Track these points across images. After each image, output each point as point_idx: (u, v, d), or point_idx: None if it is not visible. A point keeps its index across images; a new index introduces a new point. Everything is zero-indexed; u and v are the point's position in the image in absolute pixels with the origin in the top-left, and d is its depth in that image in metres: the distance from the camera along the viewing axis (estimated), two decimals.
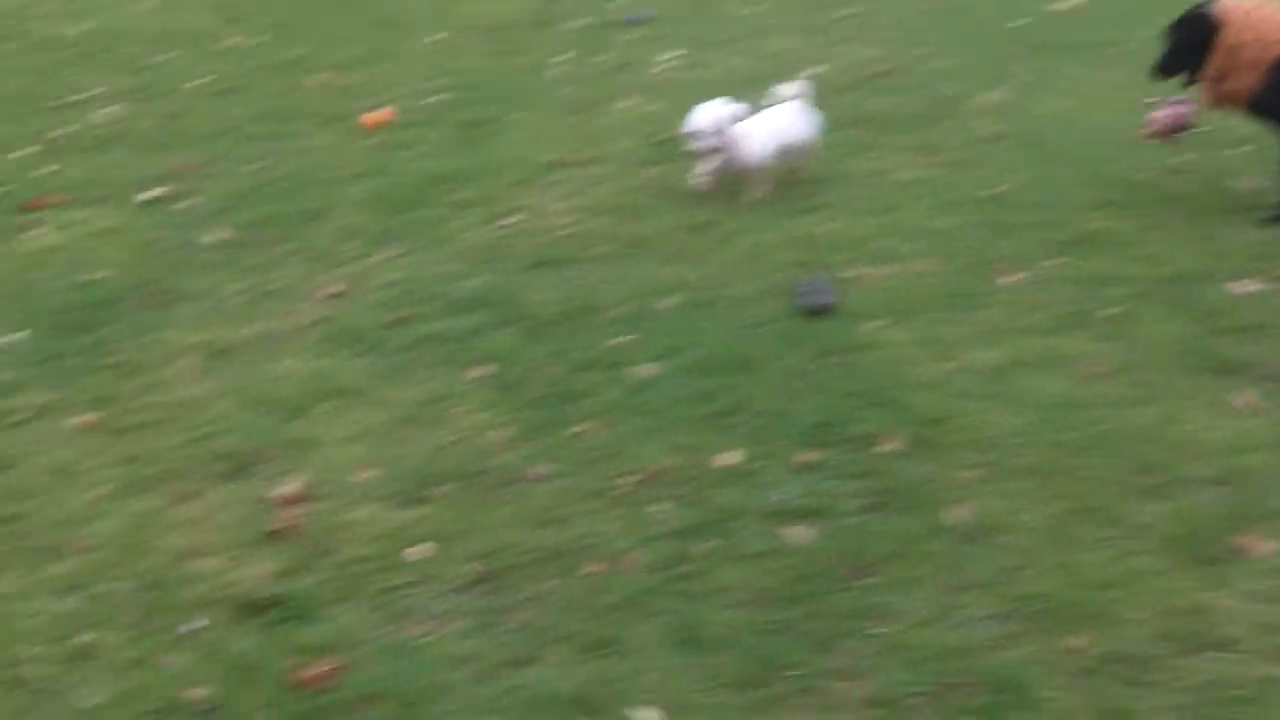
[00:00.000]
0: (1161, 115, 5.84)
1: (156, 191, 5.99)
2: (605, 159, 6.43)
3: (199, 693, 3.06)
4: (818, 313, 4.84)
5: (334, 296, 5.04)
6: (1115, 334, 4.67)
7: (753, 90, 6.42)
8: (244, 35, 8.49)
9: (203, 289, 5.11)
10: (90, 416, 4.22)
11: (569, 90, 7.47)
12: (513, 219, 5.74)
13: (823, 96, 6.35)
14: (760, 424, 4.17)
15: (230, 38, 8.44)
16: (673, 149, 6.50)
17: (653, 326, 4.79)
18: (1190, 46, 5.55)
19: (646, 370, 4.48)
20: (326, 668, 3.12)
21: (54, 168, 6.27)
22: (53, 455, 4.02)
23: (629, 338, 4.70)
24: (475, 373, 4.49)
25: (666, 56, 8.06)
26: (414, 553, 3.55)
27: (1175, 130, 5.82)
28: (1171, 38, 5.65)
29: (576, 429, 4.15)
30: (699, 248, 5.46)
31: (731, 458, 3.99)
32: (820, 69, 7.69)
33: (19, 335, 4.71)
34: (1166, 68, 5.68)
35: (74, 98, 7.28)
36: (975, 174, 6.20)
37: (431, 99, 7.29)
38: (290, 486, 3.84)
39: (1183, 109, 5.79)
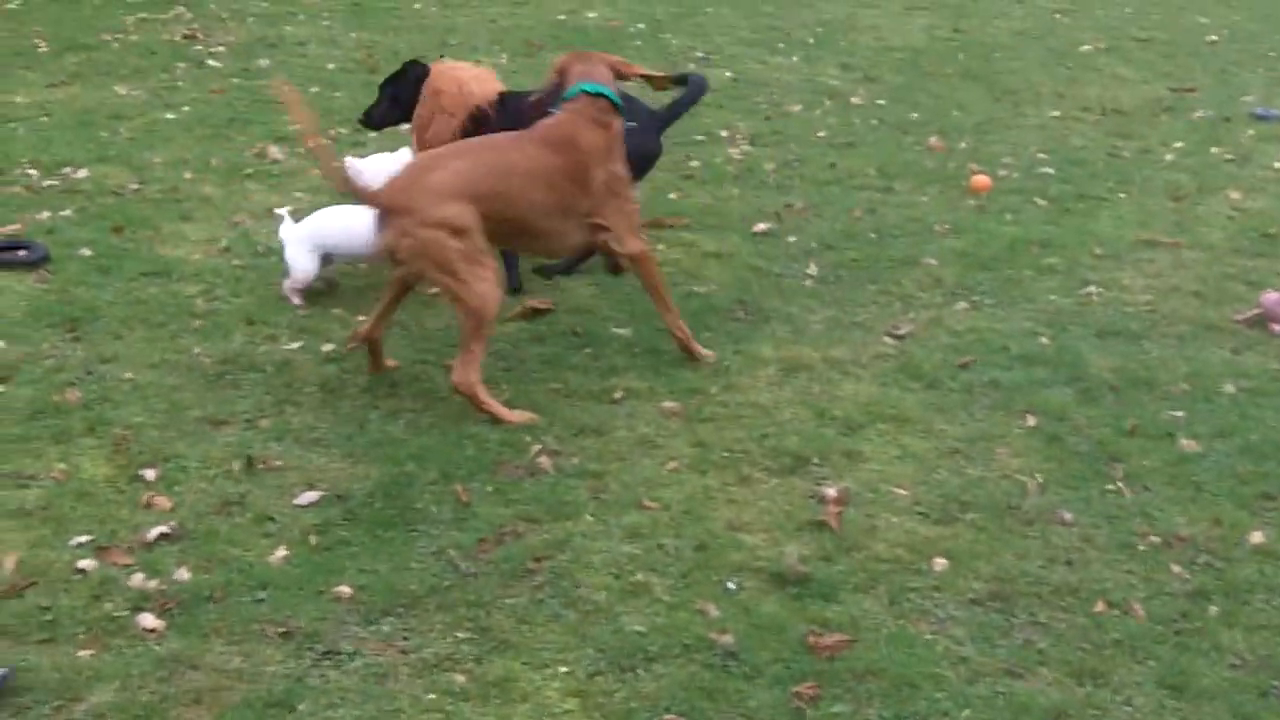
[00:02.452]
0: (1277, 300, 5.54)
1: (766, 225, 6.59)
2: (1196, 245, 6.48)
3: (725, 638, 3.53)
4: None
5: (906, 335, 5.43)
6: None
7: None
8: (867, 94, 9.04)
9: (791, 313, 5.63)
10: (675, 404, 4.81)
11: (1175, 176, 7.52)
12: (1091, 289, 5.93)
13: None
14: None
15: (855, 95, 9.03)
16: (1269, 245, 6.48)
17: (1209, 407, 4.89)
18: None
19: (1193, 445, 4.59)
20: (838, 639, 3.52)
21: (682, 194, 7.01)
22: (637, 430, 4.63)
23: (1182, 413, 4.82)
24: (1025, 421, 4.76)
25: None
26: (933, 563, 3.88)
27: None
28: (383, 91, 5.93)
29: (1111, 487, 4.35)
30: (1278, 339, 5.45)
31: (1261, 537, 4.06)
32: None
33: (626, 330, 5.39)
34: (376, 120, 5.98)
35: (716, 134, 8.06)
36: None
37: (1036, 170, 7.54)
38: (835, 488, 4.27)
39: None
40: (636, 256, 5.02)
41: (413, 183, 4.69)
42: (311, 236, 5.51)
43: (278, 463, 4.34)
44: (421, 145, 5.63)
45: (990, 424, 4.75)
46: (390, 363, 5.04)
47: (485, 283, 4.63)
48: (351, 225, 5.40)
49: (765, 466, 4.43)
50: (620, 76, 5.07)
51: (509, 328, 5.38)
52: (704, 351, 5.15)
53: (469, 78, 5.74)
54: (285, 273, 5.54)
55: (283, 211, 5.64)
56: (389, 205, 4.64)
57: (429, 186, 4.63)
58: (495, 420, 4.63)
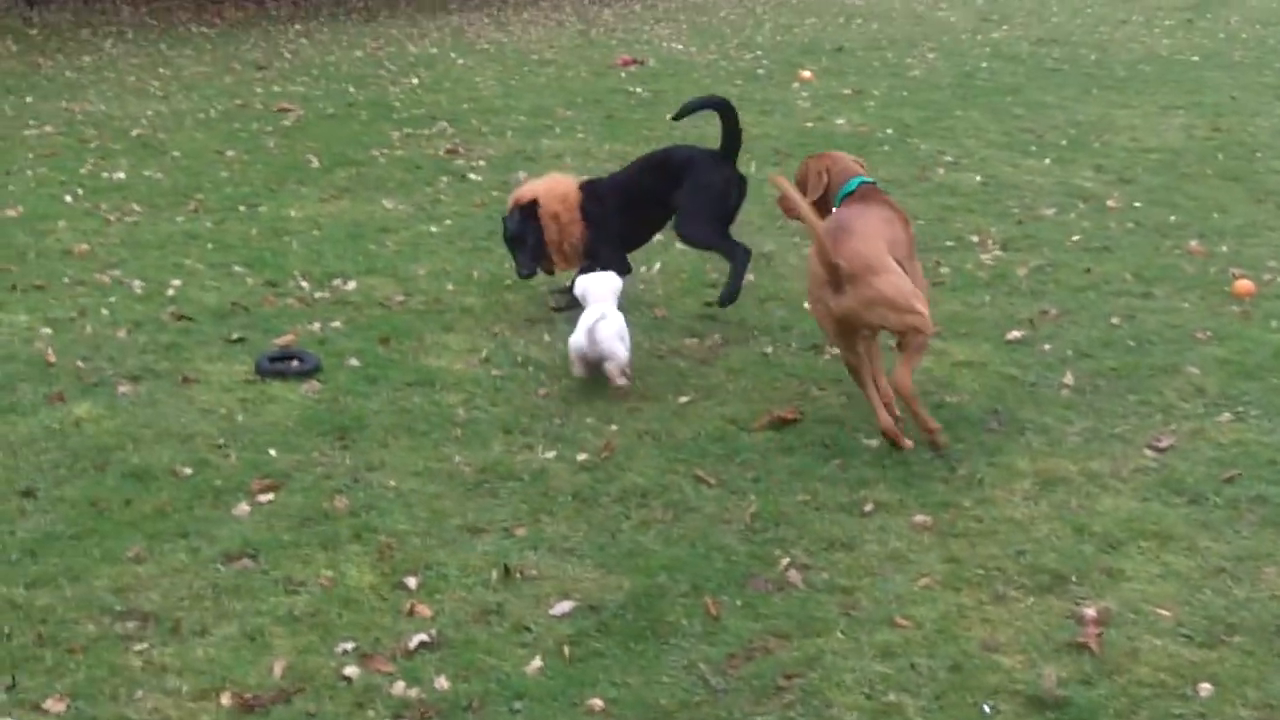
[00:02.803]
0: None
1: (1019, 333, 6.50)
2: None
3: None
4: None
5: (1167, 448, 5.28)
6: None
7: None
8: (1123, 197, 8.87)
9: (1047, 424, 5.53)
10: (927, 518, 4.77)
11: None
12: None
13: None
14: None
15: (1110, 198, 8.86)
16: None
17: None
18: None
19: None
20: None
21: (932, 302, 6.96)
22: (888, 544, 4.60)
23: None
24: None
25: None
26: (1199, 689, 3.75)
27: None
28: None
29: None
30: None
31: None
32: None
33: (875, 441, 5.36)
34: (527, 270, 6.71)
35: (967, 239, 8.01)
36: None
37: None
38: (1094, 608, 4.16)
39: None
40: None
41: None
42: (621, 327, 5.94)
43: (533, 571, 4.45)
44: (563, 257, 6.74)
45: (1258, 541, 4.57)
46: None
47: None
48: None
49: (1021, 584, 4.35)
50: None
51: (757, 438, 5.43)
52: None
53: (558, 189, 6.80)
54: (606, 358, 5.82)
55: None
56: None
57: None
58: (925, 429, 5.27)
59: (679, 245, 7.27)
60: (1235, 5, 18.63)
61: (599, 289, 6.08)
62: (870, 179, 5.77)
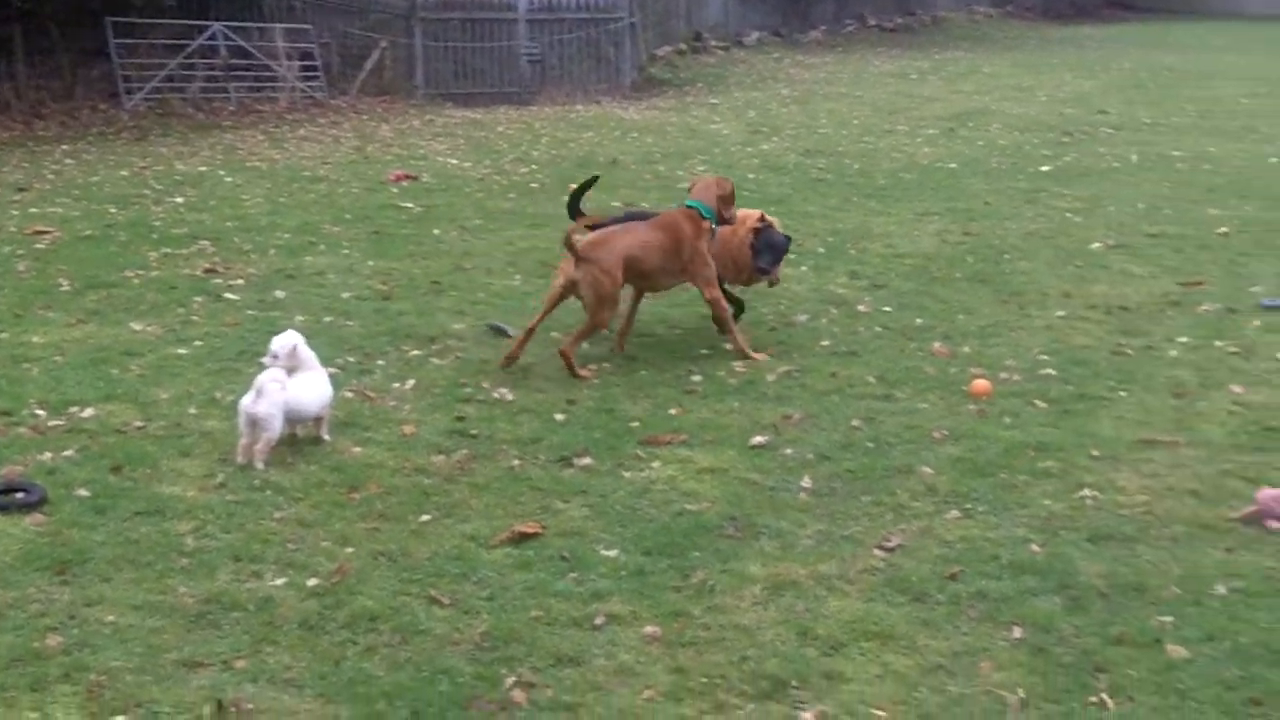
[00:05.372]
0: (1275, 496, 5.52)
1: (763, 438, 6.60)
2: (1196, 443, 6.44)
3: None
4: None
5: (896, 547, 5.39)
6: None
7: None
8: (873, 302, 9.13)
9: (782, 528, 5.61)
10: (657, 628, 4.77)
11: (1177, 372, 7.51)
12: (1087, 492, 5.89)
13: None
14: None
15: (861, 303, 9.11)
16: (1270, 439, 6.43)
17: (1199, 610, 4.82)
18: None
19: (1180, 651, 4.52)
20: None
21: (683, 410, 7.05)
22: (617, 658, 4.59)
23: (1171, 618, 4.74)
24: (1011, 633, 4.70)
25: None
26: None
27: None
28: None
29: (1094, 699, 4.26)
30: (1275, 537, 5.38)
31: None
32: None
33: (614, 552, 5.38)
34: None
35: (720, 347, 8.13)
36: None
37: (1039, 372, 7.55)
38: (812, 712, 4.20)
39: None
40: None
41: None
42: (288, 402, 6.31)
43: (249, 705, 4.32)
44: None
45: (976, 637, 4.69)
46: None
47: None
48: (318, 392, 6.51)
49: (742, 692, 4.37)
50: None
51: (496, 554, 5.39)
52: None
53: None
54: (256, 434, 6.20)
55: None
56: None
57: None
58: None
59: (436, 361, 7.24)
60: (996, 114, 19.46)
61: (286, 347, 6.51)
62: (695, 204, 7.95)
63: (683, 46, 27.96)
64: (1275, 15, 48.22)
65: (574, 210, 8.43)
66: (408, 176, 14.30)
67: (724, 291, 8.21)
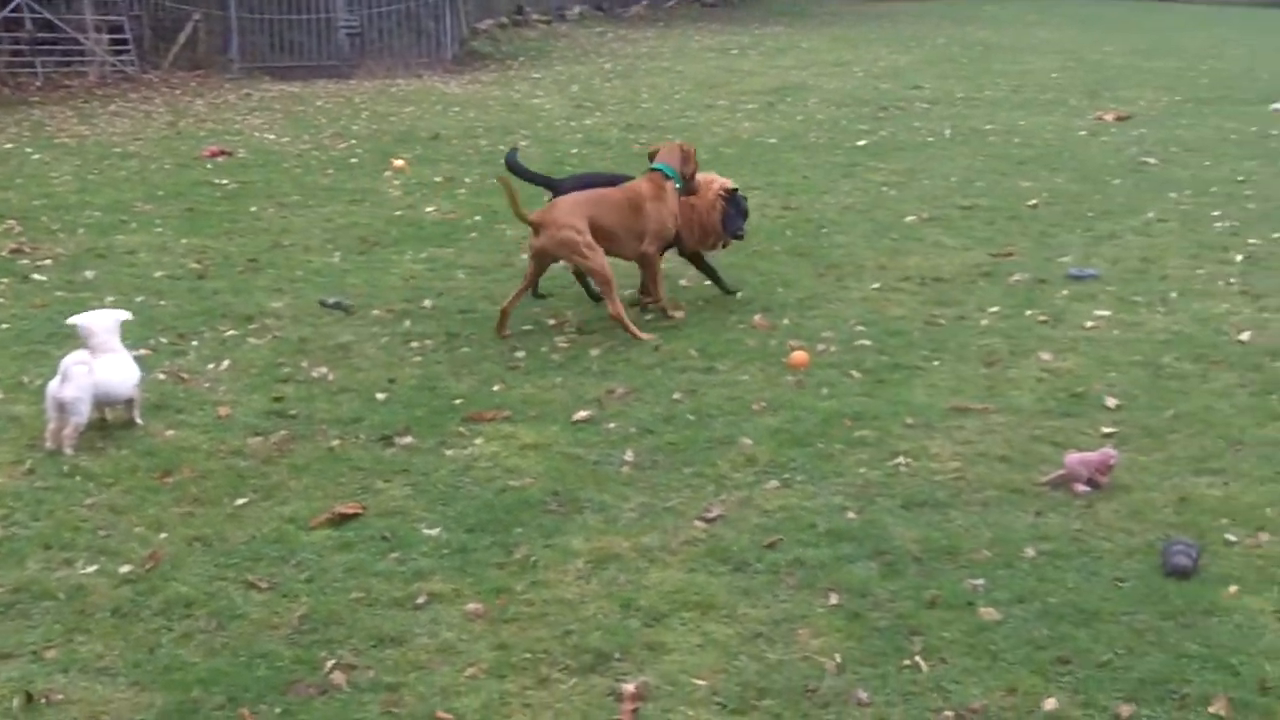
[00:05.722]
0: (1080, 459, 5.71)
1: (586, 413, 6.62)
2: (1006, 409, 6.62)
3: None
4: (1177, 574, 4.84)
5: (716, 518, 5.45)
6: None
7: (1178, 351, 6.55)
8: (696, 275, 9.17)
9: (605, 502, 5.63)
10: (480, 606, 4.76)
11: (988, 341, 7.70)
12: (901, 459, 6.01)
13: (1253, 360, 6.46)
14: (1092, 675, 4.27)
15: (683, 278, 9.17)
16: (1076, 405, 6.64)
17: (1010, 572, 4.95)
18: None
19: (992, 613, 4.64)
20: None
21: (506, 386, 7.02)
22: (440, 636, 4.58)
23: (983, 580, 4.87)
24: (828, 599, 4.78)
25: (1097, 314, 8.15)
26: None
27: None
28: None
29: (908, 662, 4.36)
30: (1080, 500, 5.55)
31: (1054, 703, 4.10)
32: (1250, 334, 7.62)
33: (436, 530, 5.35)
34: None
35: (544, 323, 8.12)
36: None
37: (855, 343, 7.68)
38: (634, 684, 4.23)
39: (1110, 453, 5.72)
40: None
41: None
42: (96, 386, 6.14)
43: (60, 696, 4.21)
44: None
45: (794, 604, 4.76)
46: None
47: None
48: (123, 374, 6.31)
49: (566, 666, 4.39)
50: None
51: (316, 536, 5.32)
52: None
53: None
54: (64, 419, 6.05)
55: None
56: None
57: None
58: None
59: (253, 341, 7.11)
60: (814, 89, 19.71)
61: (99, 325, 6.33)
62: (660, 165, 8.30)
63: (505, 20, 27.82)
64: None
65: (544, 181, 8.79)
66: (223, 152, 13.99)
67: (720, 283, 8.77)
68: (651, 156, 8.52)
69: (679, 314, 8.27)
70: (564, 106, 18.01)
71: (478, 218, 11.12)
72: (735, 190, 8.63)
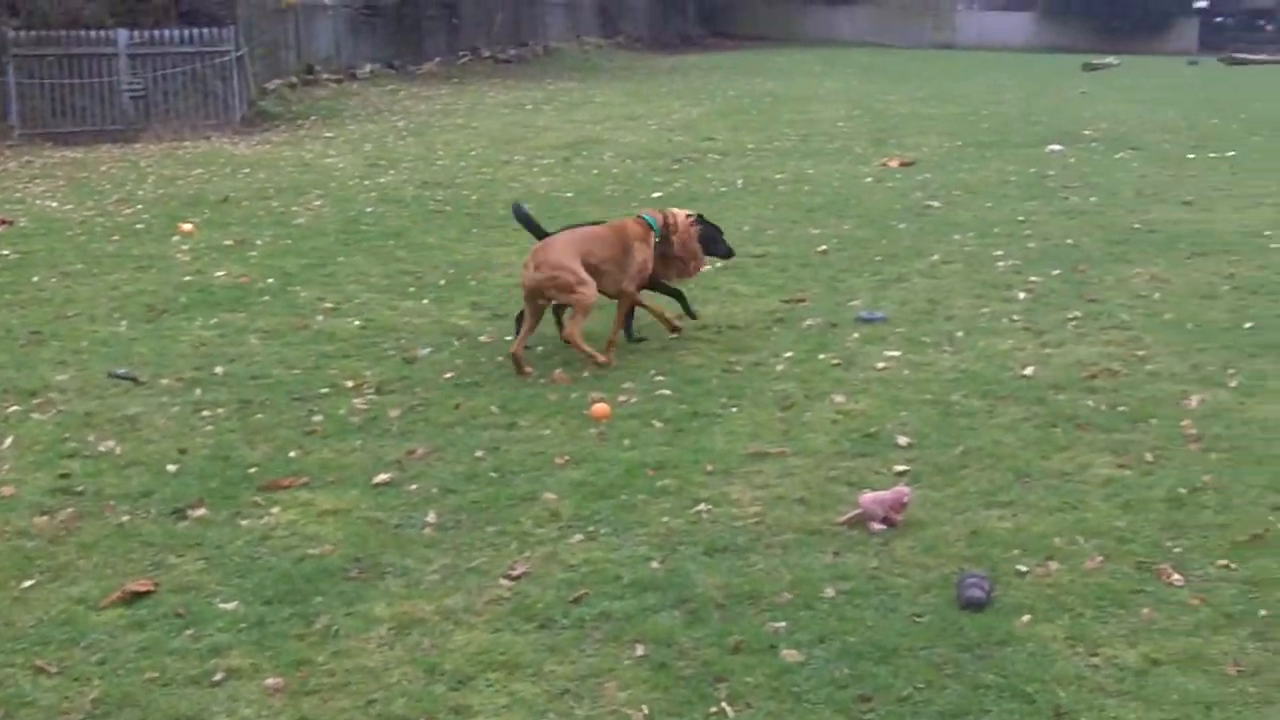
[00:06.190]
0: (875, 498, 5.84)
1: (387, 476, 6.54)
2: (803, 452, 6.73)
3: None
4: (972, 607, 4.97)
5: (521, 575, 5.42)
6: (1266, 634, 4.67)
7: (966, 388, 6.72)
8: (496, 332, 9.17)
9: (408, 566, 5.56)
10: (279, 679, 4.65)
11: (784, 386, 7.84)
12: (702, 507, 6.07)
13: (1037, 394, 6.67)
14: (893, 711, 4.36)
15: (484, 334, 9.15)
16: (870, 444, 6.78)
17: (810, 613, 5.02)
18: None
19: (794, 655, 4.69)
20: None
21: (303, 451, 6.90)
22: (238, 714, 4.45)
23: (784, 623, 4.93)
24: (635, 651, 4.78)
25: (888, 355, 8.36)
26: None
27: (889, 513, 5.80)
28: None
29: (714, 709, 4.38)
30: (876, 538, 5.66)
31: None
32: (1034, 368, 7.90)
33: (233, 604, 5.22)
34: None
35: (342, 385, 8.00)
36: (1168, 474, 6.26)
37: (655, 393, 7.74)
38: None
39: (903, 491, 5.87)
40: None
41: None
42: None
43: None
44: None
45: (601, 658, 4.76)
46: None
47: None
48: None
49: None
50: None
51: (107, 616, 5.14)
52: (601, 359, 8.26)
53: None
54: None
55: None
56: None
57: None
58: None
59: (37, 416, 6.86)
60: (609, 143, 19.92)
61: None
62: (646, 217, 8.73)
63: (294, 79, 27.50)
64: (866, 41, 51.14)
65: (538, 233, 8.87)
66: (3, 222, 13.53)
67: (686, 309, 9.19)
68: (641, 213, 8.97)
69: (605, 360, 8.34)
70: (358, 165, 17.87)
71: (270, 280, 10.94)
72: (700, 215, 9.12)
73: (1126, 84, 31.70)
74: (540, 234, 8.87)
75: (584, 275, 8.15)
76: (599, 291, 8.39)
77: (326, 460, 6.80)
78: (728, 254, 9.49)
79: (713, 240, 9.17)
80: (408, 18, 33.56)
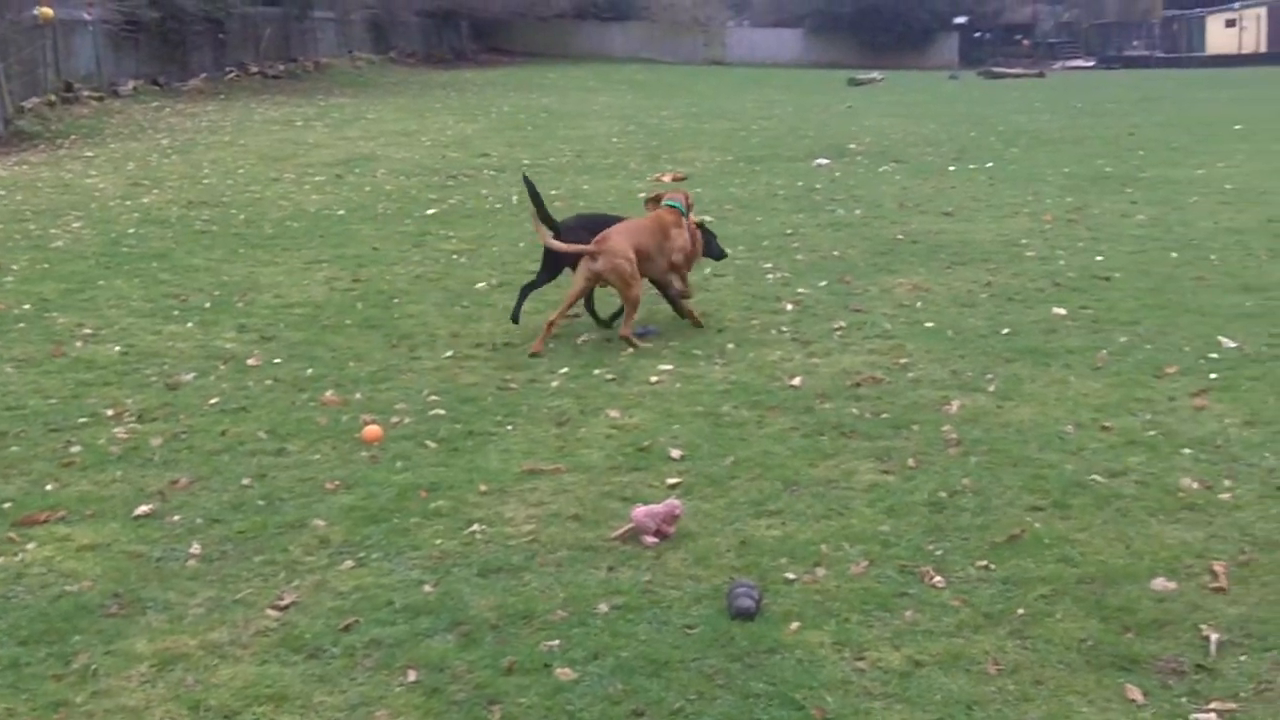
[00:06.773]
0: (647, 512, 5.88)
1: (149, 507, 6.33)
2: (578, 469, 6.73)
3: None
4: (742, 616, 5.04)
5: (289, 605, 5.30)
6: (1023, 633, 4.83)
7: (736, 399, 6.79)
8: (264, 355, 8.98)
9: (171, 600, 5.38)
10: None
11: (560, 402, 7.84)
12: (476, 527, 6.02)
13: (805, 403, 6.76)
14: None
15: (251, 357, 8.95)
16: (644, 458, 6.83)
17: (584, 630, 5.01)
18: None
19: (568, 673, 4.68)
20: None
21: (60, 484, 6.64)
22: None
23: (558, 641, 4.92)
24: (406, 678, 4.71)
25: (661, 369, 8.43)
26: None
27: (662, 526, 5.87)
28: None
29: None
30: (649, 551, 5.69)
31: None
32: (801, 379, 8.06)
33: None
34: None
35: (101, 414, 7.73)
36: (930, 478, 6.44)
37: (429, 413, 7.67)
38: None
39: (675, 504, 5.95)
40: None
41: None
42: None
43: None
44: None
45: (371, 687, 4.67)
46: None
47: None
48: None
49: None
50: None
51: None
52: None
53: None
54: None
55: None
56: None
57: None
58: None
59: None
60: (382, 159, 19.71)
61: None
62: (674, 203, 9.61)
63: (52, 97, 26.51)
64: (639, 56, 51.67)
65: (546, 219, 9.33)
66: None
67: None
68: (656, 200, 9.84)
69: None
70: (119, 185, 17.32)
71: (26, 306, 10.53)
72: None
73: (890, 99, 32.71)
74: (542, 208, 9.33)
75: (636, 269, 9.04)
76: (645, 275, 9.28)
77: (85, 493, 6.55)
78: (720, 256, 10.19)
79: (708, 243, 9.94)
80: (172, 33, 32.70)
